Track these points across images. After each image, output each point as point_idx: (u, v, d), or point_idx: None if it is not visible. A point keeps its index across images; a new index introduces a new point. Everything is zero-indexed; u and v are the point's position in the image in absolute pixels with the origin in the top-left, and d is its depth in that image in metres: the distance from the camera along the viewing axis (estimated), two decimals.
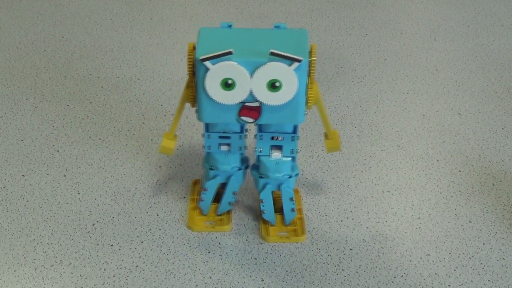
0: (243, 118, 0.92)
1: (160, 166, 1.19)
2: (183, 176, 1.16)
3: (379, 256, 1.02)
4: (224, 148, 0.99)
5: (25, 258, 1.00)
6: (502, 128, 1.31)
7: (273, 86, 0.88)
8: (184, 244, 1.03)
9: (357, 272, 0.99)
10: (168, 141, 1.01)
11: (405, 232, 1.06)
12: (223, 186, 1.05)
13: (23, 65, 1.46)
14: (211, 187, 1.03)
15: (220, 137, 0.97)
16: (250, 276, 0.98)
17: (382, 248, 1.03)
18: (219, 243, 1.03)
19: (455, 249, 1.03)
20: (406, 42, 1.61)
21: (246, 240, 1.04)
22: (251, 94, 0.89)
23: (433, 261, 1.01)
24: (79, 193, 1.12)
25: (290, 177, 1.00)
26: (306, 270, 0.99)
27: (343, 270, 0.99)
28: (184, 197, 1.12)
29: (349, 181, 1.16)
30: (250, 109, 0.91)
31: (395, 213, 1.10)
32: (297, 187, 1.13)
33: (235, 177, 1.02)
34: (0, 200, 1.10)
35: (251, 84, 0.88)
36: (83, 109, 1.33)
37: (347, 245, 1.04)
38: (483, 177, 1.18)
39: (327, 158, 1.21)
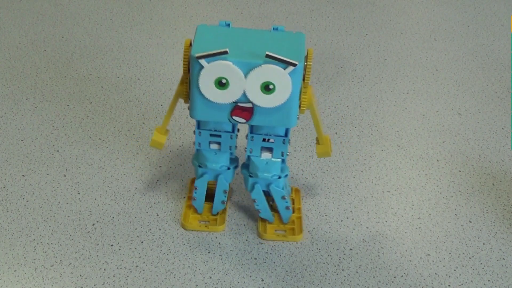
0: (235, 118, 0.92)
1: (160, 166, 1.19)
2: (183, 176, 1.16)
3: (379, 256, 1.02)
4: (214, 146, 0.99)
5: (25, 258, 1.00)
6: (502, 128, 1.31)
7: (267, 88, 0.87)
8: (184, 244, 1.03)
9: (357, 272, 0.99)
10: (159, 135, 1.01)
11: (405, 232, 1.06)
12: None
13: (23, 65, 1.46)
14: (201, 185, 1.03)
15: (211, 135, 0.97)
16: (250, 276, 0.98)
17: (382, 248, 1.03)
18: (219, 243, 1.03)
19: (455, 249, 1.03)
20: (406, 42, 1.61)
21: (246, 240, 1.04)
22: (244, 94, 0.89)
23: (433, 261, 1.01)
24: (79, 193, 1.12)
25: (280, 177, 1.00)
26: (306, 270, 0.99)
27: (343, 270, 0.99)
28: (184, 197, 1.12)
29: (349, 181, 1.16)
30: (243, 109, 0.91)
31: (395, 213, 1.10)
32: (297, 187, 1.13)
33: (224, 176, 1.02)
34: (0, 200, 1.10)
35: (244, 85, 0.88)
36: (83, 109, 1.33)
37: (347, 245, 1.04)
38: (483, 177, 1.18)
39: (327, 158, 1.21)
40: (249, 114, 0.91)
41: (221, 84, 0.88)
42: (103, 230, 1.05)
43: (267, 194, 1.03)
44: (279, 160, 0.99)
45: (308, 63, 0.89)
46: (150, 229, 1.05)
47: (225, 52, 0.85)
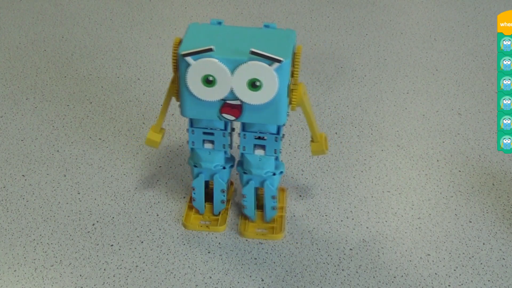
0: (225, 115, 0.92)
1: (160, 166, 1.19)
2: (183, 176, 1.16)
3: (379, 256, 1.02)
4: (208, 145, 0.99)
5: (25, 258, 1.00)
6: None
7: (254, 85, 0.88)
8: (184, 244, 1.03)
9: (357, 272, 0.99)
10: (154, 134, 1.01)
11: (405, 232, 1.06)
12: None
13: (23, 65, 1.46)
14: (198, 185, 1.03)
15: (204, 133, 0.97)
16: (250, 276, 0.98)
17: (382, 248, 1.03)
18: (219, 243, 1.03)
19: (455, 249, 1.03)
20: (406, 42, 1.61)
21: (246, 240, 1.04)
22: (231, 92, 0.89)
23: (433, 261, 1.01)
24: (79, 193, 1.12)
25: (274, 174, 1.00)
26: (306, 270, 0.99)
27: (343, 270, 0.99)
28: (184, 197, 1.12)
29: (349, 181, 1.16)
30: (232, 107, 0.91)
31: (395, 213, 1.10)
32: (284, 186, 1.13)
33: (219, 176, 1.02)
34: (0, 200, 1.10)
35: (231, 82, 0.88)
36: (83, 109, 1.33)
37: (347, 245, 1.04)
38: (483, 177, 1.18)
39: (327, 158, 1.21)
40: (238, 111, 0.91)
41: (208, 81, 0.88)
42: (103, 230, 1.05)
43: (258, 193, 1.04)
44: (272, 157, 0.99)
45: (297, 59, 0.89)
46: (150, 229, 1.05)
47: (210, 49, 0.86)
